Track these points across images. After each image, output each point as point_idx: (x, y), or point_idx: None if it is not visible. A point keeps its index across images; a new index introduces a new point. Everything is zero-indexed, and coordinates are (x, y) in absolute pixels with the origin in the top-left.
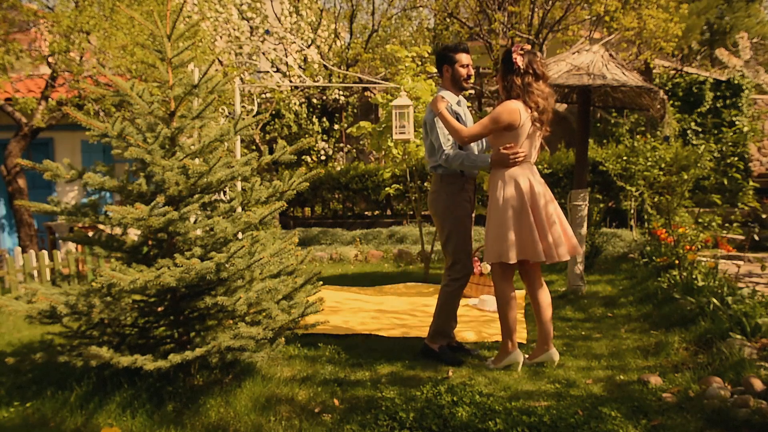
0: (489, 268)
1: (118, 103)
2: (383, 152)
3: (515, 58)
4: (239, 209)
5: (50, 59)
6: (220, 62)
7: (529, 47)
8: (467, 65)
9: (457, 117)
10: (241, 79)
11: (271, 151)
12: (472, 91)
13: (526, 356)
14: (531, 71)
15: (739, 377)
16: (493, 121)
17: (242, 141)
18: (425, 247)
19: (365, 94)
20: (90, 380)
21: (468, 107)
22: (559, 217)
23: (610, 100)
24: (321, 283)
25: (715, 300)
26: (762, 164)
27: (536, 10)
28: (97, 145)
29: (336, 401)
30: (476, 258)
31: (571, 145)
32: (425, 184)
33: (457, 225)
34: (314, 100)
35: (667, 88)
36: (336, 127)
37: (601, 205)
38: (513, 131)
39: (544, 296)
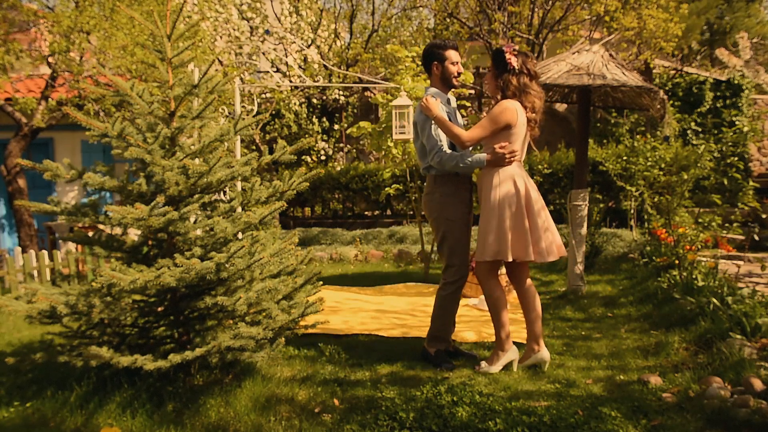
0: None
1: (118, 103)
2: (383, 152)
3: (509, 59)
4: (239, 209)
5: (50, 59)
6: (220, 62)
7: (518, 46)
8: (457, 62)
9: (448, 116)
10: (241, 79)
11: (271, 151)
12: (472, 91)
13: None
14: (526, 71)
15: (739, 377)
16: (493, 121)
17: (242, 141)
18: (425, 247)
19: (365, 94)
20: (90, 380)
21: (461, 106)
22: (548, 218)
23: (610, 100)
24: (321, 283)
25: (715, 300)
26: (762, 164)
27: (536, 10)
28: (97, 145)
29: (336, 401)
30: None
31: (571, 145)
32: (425, 184)
33: (451, 227)
34: (314, 100)
35: (667, 88)
36: (336, 127)
37: (601, 205)
38: (509, 130)
39: (532, 296)
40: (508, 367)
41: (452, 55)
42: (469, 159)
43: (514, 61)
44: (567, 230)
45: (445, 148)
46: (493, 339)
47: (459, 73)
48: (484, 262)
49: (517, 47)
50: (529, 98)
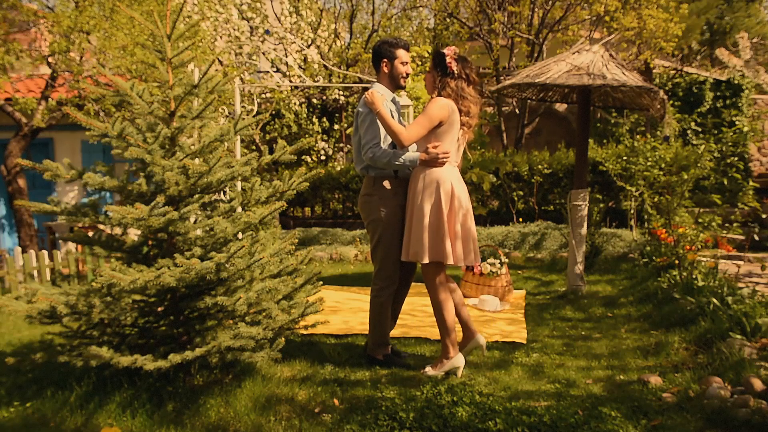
0: (489, 268)
1: (118, 103)
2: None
3: (449, 62)
4: (239, 209)
5: (50, 59)
6: (220, 62)
7: (458, 51)
8: (406, 63)
9: (391, 114)
10: (241, 79)
11: (271, 151)
12: None
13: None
14: (464, 76)
15: (739, 377)
16: (430, 118)
17: (242, 141)
18: None
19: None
20: (90, 380)
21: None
22: (472, 224)
23: (610, 100)
24: (321, 283)
25: (715, 300)
26: (762, 164)
27: (536, 10)
28: (97, 145)
29: (336, 401)
30: None
31: (571, 145)
32: (363, 184)
33: (388, 231)
34: (314, 100)
35: (667, 88)
36: (336, 127)
37: (601, 205)
38: (441, 128)
39: (453, 289)
40: (452, 373)
41: (403, 54)
42: (402, 157)
43: (454, 66)
44: (567, 230)
45: (382, 144)
46: (493, 339)
47: (407, 74)
48: (430, 265)
49: (458, 51)
50: (465, 103)
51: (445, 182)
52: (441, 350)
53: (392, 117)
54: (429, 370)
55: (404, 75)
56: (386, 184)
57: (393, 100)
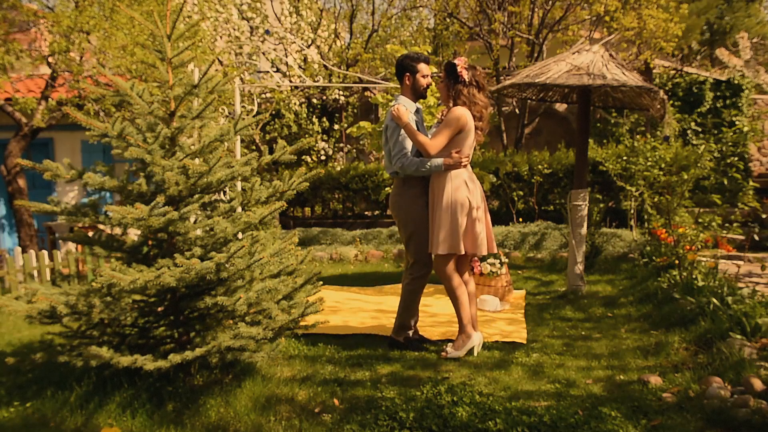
0: (489, 268)
1: (118, 103)
2: (383, 152)
3: (461, 72)
4: (239, 209)
5: (50, 59)
6: (220, 62)
7: (468, 60)
8: (427, 75)
9: (416, 125)
10: (241, 79)
11: (271, 151)
12: None
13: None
14: (475, 83)
15: (739, 377)
16: (450, 128)
17: (242, 141)
18: None
19: (365, 94)
20: (90, 380)
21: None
22: (488, 217)
23: (610, 100)
24: (321, 283)
25: (715, 300)
26: (762, 164)
27: (536, 10)
28: (97, 145)
29: (336, 401)
30: (476, 258)
31: (571, 145)
32: (393, 185)
33: (419, 226)
34: (314, 100)
35: (667, 88)
36: (336, 127)
37: (601, 205)
38: (460, 135)
39: (470, 284)
40: (471, 352)
41: (423, 68)
42: (428, 164)
43: (465, 74)
44: (567, 230)
45: (409, 154)
46: (493, 339)
47: (428, 86)
48: (441, 256)
49: (468, 60)
50: (477, 108)
51: (469, 182)
52: (458, 328)
53: (416, 128)
54: (451, 351)
55: (425, 86)
56: (415, 184)
57: (416, 111)
